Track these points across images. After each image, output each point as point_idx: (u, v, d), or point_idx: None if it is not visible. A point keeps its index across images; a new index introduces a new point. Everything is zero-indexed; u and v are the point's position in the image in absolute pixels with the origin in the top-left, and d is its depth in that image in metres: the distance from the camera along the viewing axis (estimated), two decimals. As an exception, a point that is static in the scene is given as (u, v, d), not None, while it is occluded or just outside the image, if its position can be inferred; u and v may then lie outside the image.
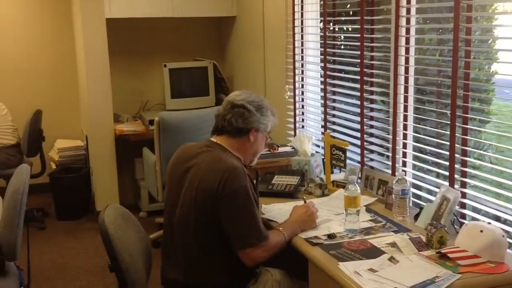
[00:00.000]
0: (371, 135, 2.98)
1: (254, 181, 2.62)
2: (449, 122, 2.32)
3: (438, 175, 2.53)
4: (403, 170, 2.62)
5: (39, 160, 4.60)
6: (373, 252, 1.95)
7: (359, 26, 2.92)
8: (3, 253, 2.35)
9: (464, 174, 2.32)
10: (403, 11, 2.63)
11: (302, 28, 3.66)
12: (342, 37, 3.47)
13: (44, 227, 4.45)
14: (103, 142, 4.52)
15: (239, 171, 2.07)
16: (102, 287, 3.48)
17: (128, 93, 4.88)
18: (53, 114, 5.07)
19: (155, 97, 4.95)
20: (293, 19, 3.64)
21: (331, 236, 2.12)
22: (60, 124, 5.24)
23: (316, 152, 3.20)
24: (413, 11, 2.62)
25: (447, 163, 2.35)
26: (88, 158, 4.82)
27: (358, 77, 2.97)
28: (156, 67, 4.78)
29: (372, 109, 2.99)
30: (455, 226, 2.13)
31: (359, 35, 2.92)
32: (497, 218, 2.19)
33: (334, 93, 3.35)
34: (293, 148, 3.09)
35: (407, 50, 2.65)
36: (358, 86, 2.99)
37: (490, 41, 2.46)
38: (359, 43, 2.93)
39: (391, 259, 1.89)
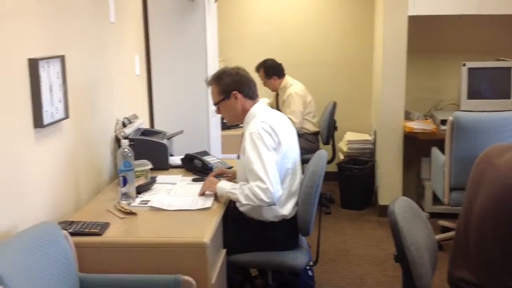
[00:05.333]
0: None
1: None
2: None
3: None
4: None
5: (331, 149, 4.91)
6: None
7: None
8: (299, 227, 2.60)
9: None
10: None
11: None
12: None
13: (330, 212, 4.75)
14: (391, 138, 4.60)
15: None
16: (382, 277, 3.57)
17: (421, 91, 4.86)
18: (346, 107, 5.35)
19: (449, 96, 4.80)
20: None
21: None
22: (351, 117, 5.50)
23: None
24: None
25: None
26: (375, 152, 4.96)
27: None
28: (454, 66, 4.62)
29: None
30: None
31: None
32: None
33: None
34: None
35: None
36: None
37: None
38: None
39: None
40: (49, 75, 2.23)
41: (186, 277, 1.99)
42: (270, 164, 2.45)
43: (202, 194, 2.62)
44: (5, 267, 1.66)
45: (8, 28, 1.98)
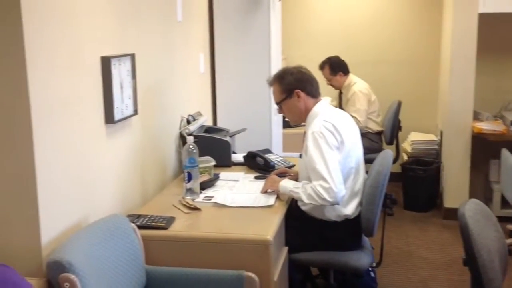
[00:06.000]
0: None
1: None
2: None
3: None
4: None
5: (394, 149, 4.82)
6: None
7: None
8: (363, 228, 2.56)
9: None
10: None
11: None
12: None
13: (392, 213, 4.60)
14: (458, 139, 4.46)
15: None
16: (446, 282, 3.47)
17: (490, 91, 4.69)
18: (411, 106, 5.21)
19: (521, 97, 4.62)
20: None
21: None
22: (416, 117, 5.37)
23: None
24: None
25: None
26: (440, 153, 4.82)
27: None
28: (526, 65, 4.45)
29: None
30: None
31: None
32: None
33: None
34: None
35: None
36: None
37: None
38: None
39: None
40: (120, 72, 2.30)
41: (249, 273, 2.00)
42: (333, 164, 2.42)
43: (265, 192, 2.63)
44: (77, 256, 1.73)
45: (82, 28, 2.05)
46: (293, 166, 3.07)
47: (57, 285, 1.67)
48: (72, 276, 1.65)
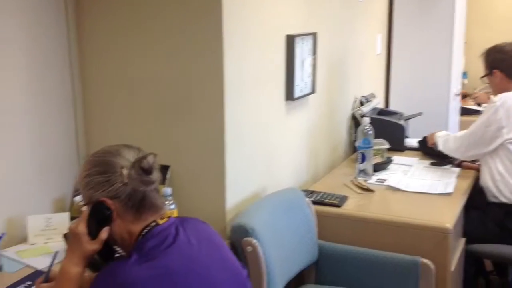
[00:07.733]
0: None
1: None
2: None
3: None
4: None
5: None
6: None
7: None
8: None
9: None
10: None
11: None
12: None
13: None
14: None
15: None
16: None
17: None
18: None
19: None
20: None
21: None
22: None
23: None
24: None
25: None
26: None
27: None
28: None
29: None
30: None
31: None
32: None
33: None
34: None
35: None
36: None
37: None
38: None
39: None
40: (302, 51, 2.34)
41: (425, 260, 1.94)
42: (476, 136, 2.49)
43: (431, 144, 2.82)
44: (259, 223, 1.82)
45: (270, 8, 2.12)
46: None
47: (240, 247, 1.77)
48: (254, 241, 1.75)
